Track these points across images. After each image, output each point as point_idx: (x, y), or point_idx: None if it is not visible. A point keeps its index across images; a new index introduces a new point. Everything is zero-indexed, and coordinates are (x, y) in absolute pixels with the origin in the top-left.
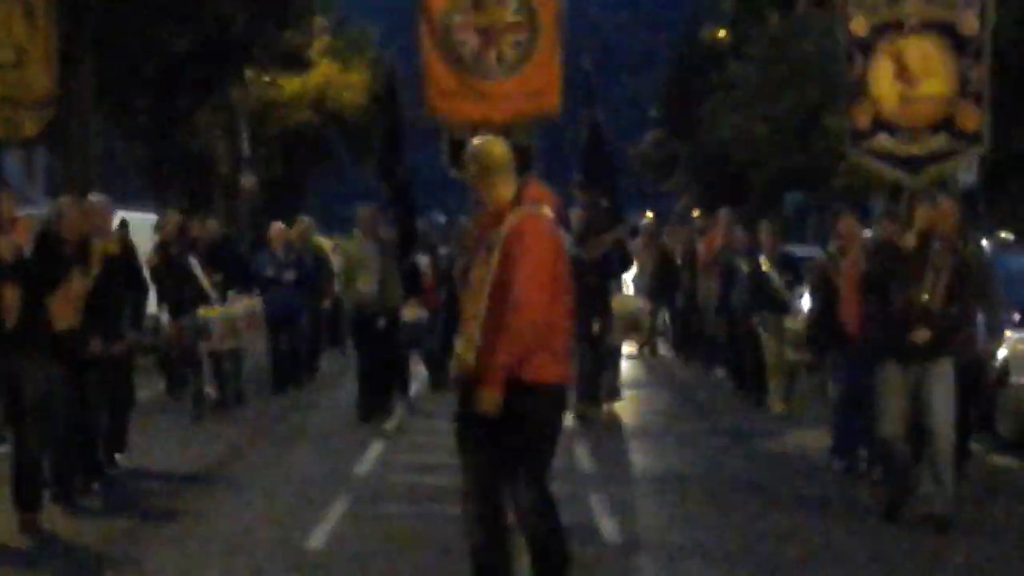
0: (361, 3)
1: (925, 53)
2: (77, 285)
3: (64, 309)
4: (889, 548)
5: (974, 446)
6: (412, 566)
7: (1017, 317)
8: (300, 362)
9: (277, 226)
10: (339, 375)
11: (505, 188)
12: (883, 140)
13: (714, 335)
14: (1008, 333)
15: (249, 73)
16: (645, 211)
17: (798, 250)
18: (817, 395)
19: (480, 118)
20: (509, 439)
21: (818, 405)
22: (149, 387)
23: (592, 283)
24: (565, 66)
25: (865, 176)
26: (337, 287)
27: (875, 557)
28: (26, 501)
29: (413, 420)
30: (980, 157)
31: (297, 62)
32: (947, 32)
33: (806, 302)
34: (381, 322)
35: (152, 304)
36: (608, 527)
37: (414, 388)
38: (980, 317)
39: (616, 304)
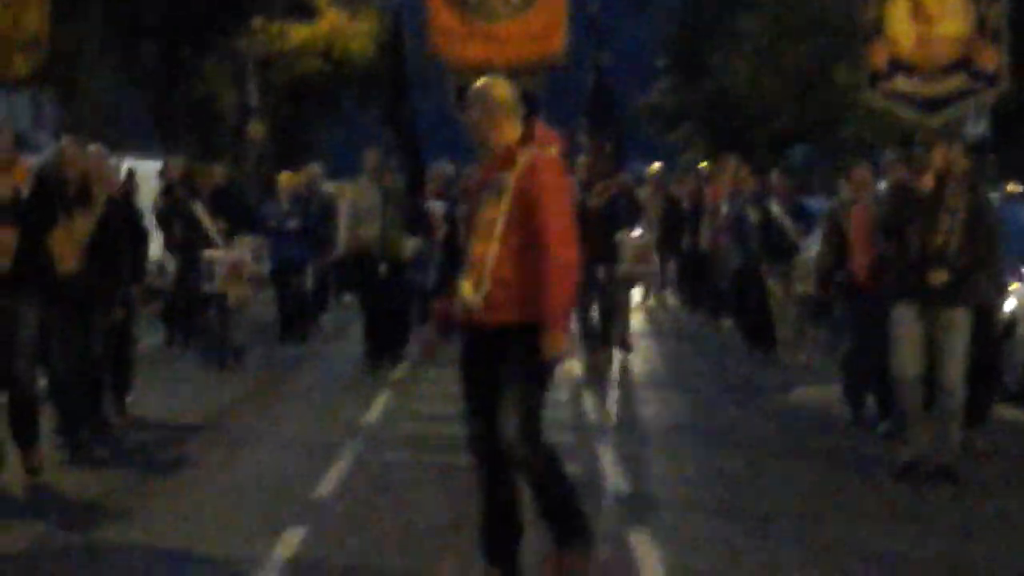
0: None
1: None
2: (80, 227)
3: (66, 252)
4: (895, 502)
5: None
6: (420, 513)
7: None
8: (306, 311)
9: (286, 176)
10: (346, 324)
11: (510, 130)
12: (900, 81)
13: (721, 284)
14: (1015, 285)
15: (257, 21)
16: (652, 162)
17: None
18: (825, 347)
19: (483, 60)
20: (507, 378)
21: (825, 356)
22: (150, 336)
23: (598, 230)
24: (571, 9)
25: (875, 127)
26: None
27: (881, 510)
28: (25, 438)
29: (419, 369)
30: (990, 107)
31: (305, 10)
32: None
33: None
34: (383, 268)
35: (157, 249)
36: (615, 478)
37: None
38: None
39: (624, 237)
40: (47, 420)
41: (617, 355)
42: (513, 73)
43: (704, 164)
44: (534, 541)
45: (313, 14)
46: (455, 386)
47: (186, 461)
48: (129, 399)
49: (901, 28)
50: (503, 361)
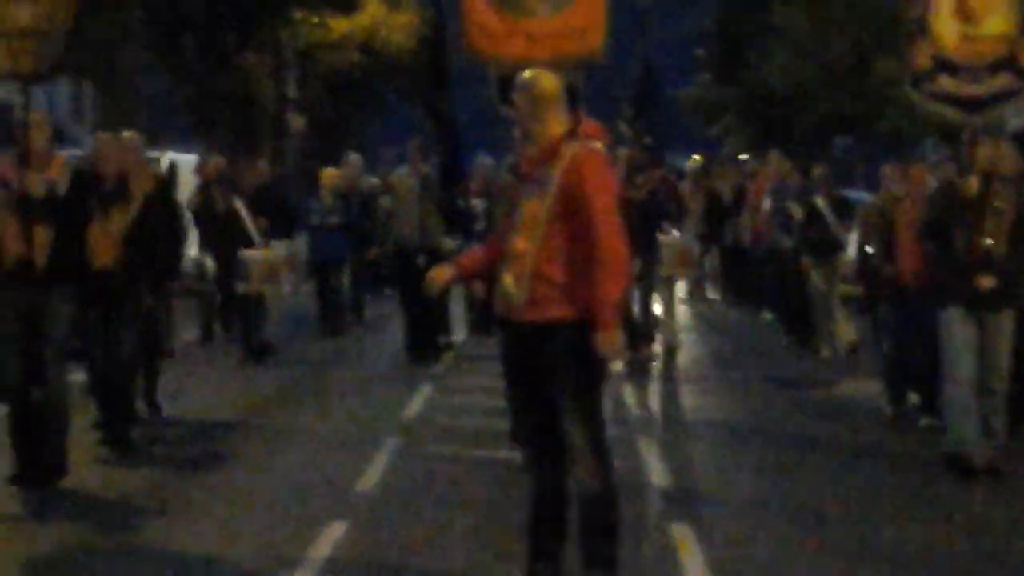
0: None
1: None
2: (116, 224)
3: (103, 248)
4: (940, 499)
5: None
6: (461, 508)
7: None
8: (345, 306)
9: (328, 172)
10: (386, 319)
11: (556, 123)
12: (944, 80)
13: (762, 277)
14: None
15: (297, 14)
16: (692, 154)
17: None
18: (867, 342)
19: (521, 57)
20: (560, 376)
21: (868, 351)
22: (185, 332)
23: (637, 223)
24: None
25: (915, 120)
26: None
27: (926, 507)
28: (51, 453)
29: (460, 362)
30: None
31: (345, 3)
32: None
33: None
34: (421, 260)
35: (194, 246)
36: (657, 473)
37: (461, 335)
38: None
39: (666, 239)
40: (79, 418)
41: (659, 349)
42: (554, 69)
43: (744, 156)
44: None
45: (354, 6)
46: (495, 379)
47: (225, 457)
48: (160, 399)
49: (944, 27)
50: (551, 360)
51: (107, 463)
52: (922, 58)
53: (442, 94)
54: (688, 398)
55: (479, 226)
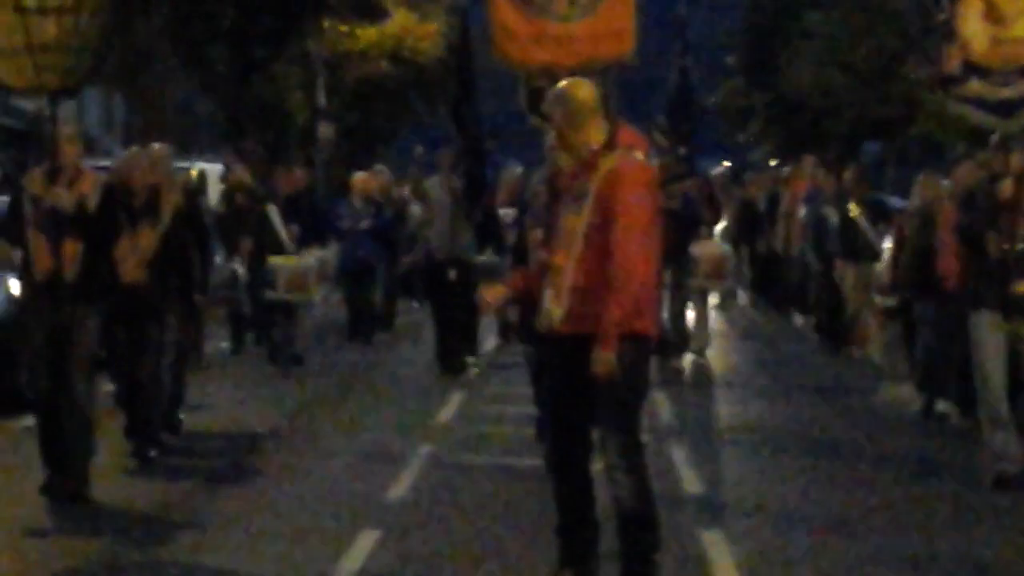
0: None
1: None
2: (146, 240)
3: (130, 263)
4: (975, 507)
5: None
6: (494, 517)
7: None
8: (375, 314)
9: (360, 177)
10: (417, 327)
11: (595, 133)
12: (974, 84)
13: (794, 283)
14: None
15: (326, 23)
16: (721, 161)
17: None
18: (901, 346)
19: (549, 62)
20: (598, 391)
21: (901, 356)
22: (212, 342)
23: (670, 232)
24: (650, 9)
25: (945, 125)
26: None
27: (961, 515)
28: (73, 468)
29: (492, 370)
30: None
31: (374, 11)
32: None
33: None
34: (452, 273)
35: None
36: (688, 479)
37: (492, 342)
38: None
39: (702, 249)
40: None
41: (690, 357)
42: (582, 75)
43: (774, 162)
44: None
45: (382, 15)
46: (528, 387)
47: (255, 468)
48: (182, 414)
49: (974, 30)
50: (590, 375)
51: (136, 475)
52: (952, 62)
53: (466, 103)
54: (720, 405)
55: (510, 239)
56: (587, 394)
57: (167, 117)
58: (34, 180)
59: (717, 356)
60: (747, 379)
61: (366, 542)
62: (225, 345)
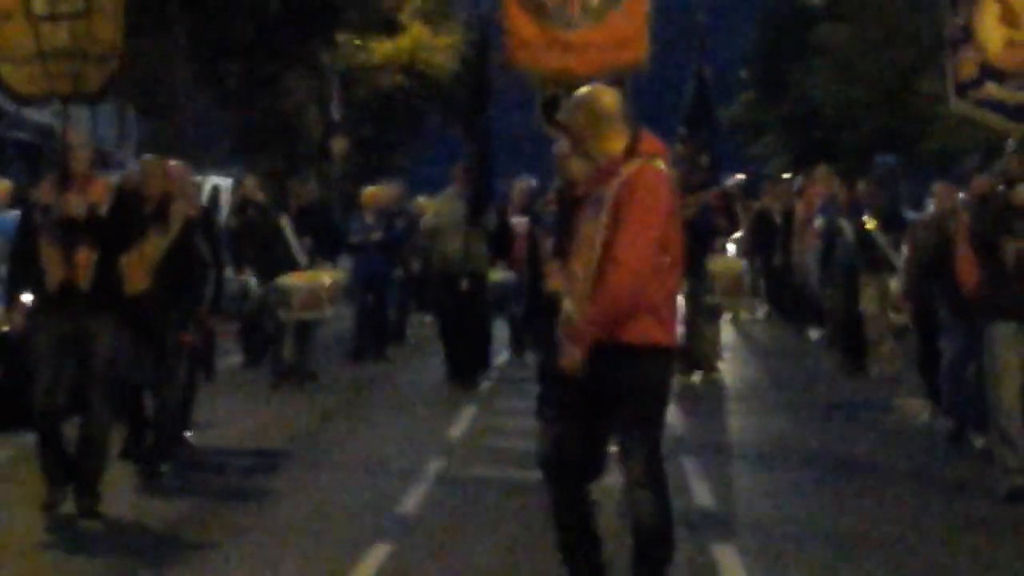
0: None
1: None
2: (152, 247)
3: (136, 272)
4: (992, 525)
5: None
6: (508, 532)
7: None
8: (386, 327)
9: (369, 191)
10: (429, 340)
11: (616, 140)
12: (990, 88)
13: (810, 296)
14: None
15: (340, 36)
16: (735, 174)
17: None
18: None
19: (561, 70)
20: (619, 406)
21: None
22: (224, 356)
23: (687, 243)
24: (661, 16)
25: (960, 138)
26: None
27: (978, 534)
28: (84, 485)
29: (505, 383)
30: None
31: (389, 25)
32: None
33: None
34: (465, 283)
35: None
36: (699, 493)
37: (504, 355)
38: None
39: (719, 265)
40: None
41: (706, 370)
42: (598, 82)
43: (787, 175)
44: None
45: (396, 29)
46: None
47: (267, 483)
48: (189, 433)
49: (990, 33)
50: (610, 387)
51: (146, 491)
52: (968, 66)
53: (479, 113)
54: (733, 420)
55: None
56: (607, 406)
57: (181, 131)
58: (45, 189)
59: (731, 370)
60: (761, 394)
61: (377, 556)
62: (237, 360)
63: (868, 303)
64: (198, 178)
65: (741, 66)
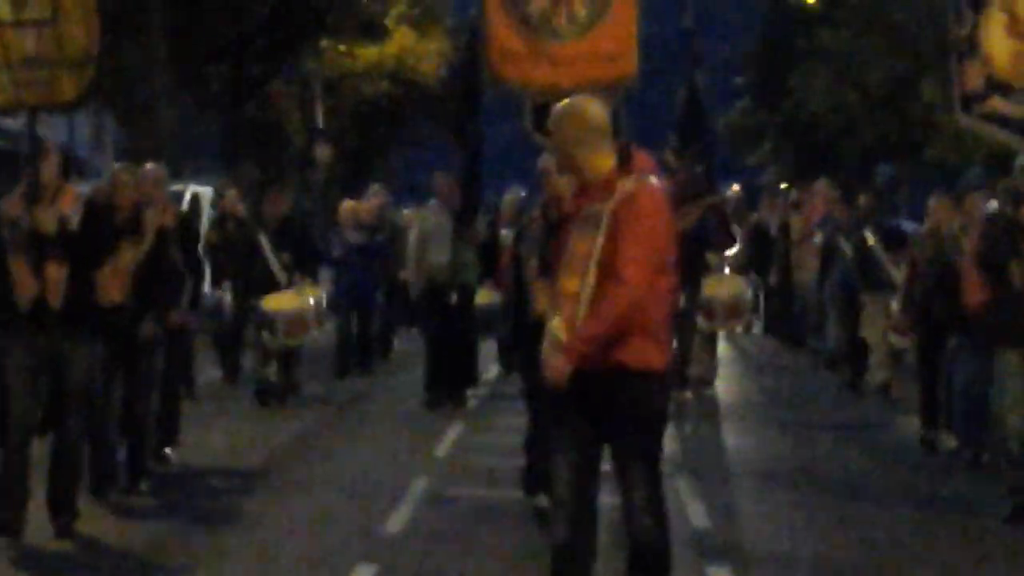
0: None
1: None
2: (126, 258)
3: (112, 283)
4: (996, 548)
5: None
6: (493, 550)
7: None
8: (371, 344)
9: (346, 205)
10: (415, 355)
11: (605, 155)
12: (997, 102)
13: (809, 313)
14: None
15: (324, 42)
16: (732, 184)
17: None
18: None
19: (548, 83)
20: (619, 434)
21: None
22: (203, 371)
23: (685, 254)
24: (654, 27)
25: (961, 147)
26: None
27: (981, 557)
28: (61, 503)
29: (492, 400)
30: None
31: (373, 31)
32: None
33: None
34: (453, 296)
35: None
36: (695, 514)
37: (493, 371)
38: None
39: (718, 287)
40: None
41: (701, 388)
42: (587, 94)
43: (784, 185)
44: None
45: (382, 34)
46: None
47: (247, 504)
48: (168, 449)
49: (996, 46)
50: (607, 411)
51: (125, 511)
52: (973, 78)
53: (469, 121)
54: (729, 438)
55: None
56: (605, 428)
57: (160, 138)
58: (12, 203)
59: (727, 387)
60: (757, 412)
61: (362, 575)
62: (215, 375)
63: (868, 328)
64: (179, 186)
65: (736, 73)
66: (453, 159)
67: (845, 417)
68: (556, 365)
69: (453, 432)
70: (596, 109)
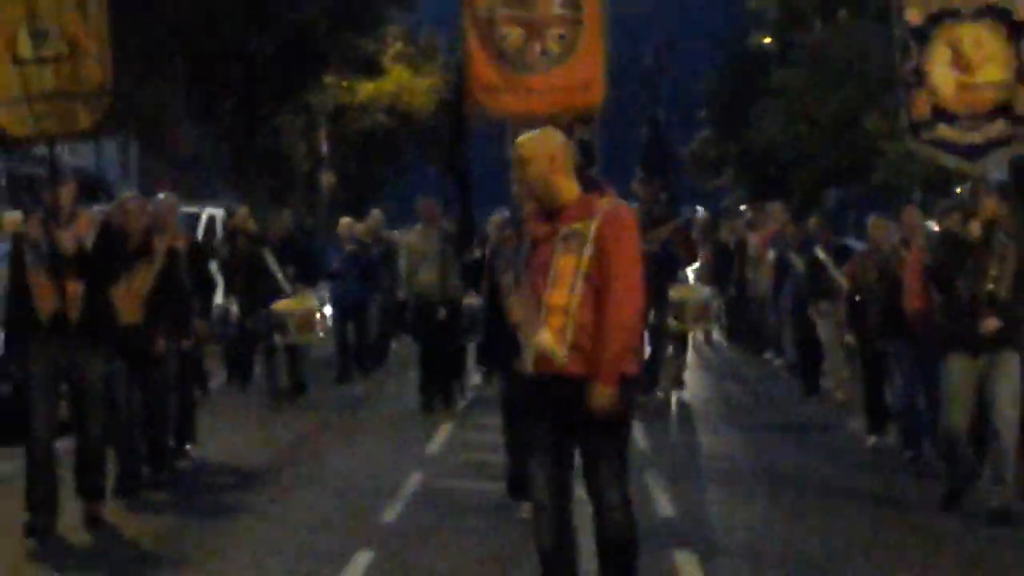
0: (436, 8)
1: (980, 39)
2: (140, 279)
3: (127, 303)
4: (949, 547)
5: None
6: (481, 538)
7: None
8: (367, 352)
9: (344, 221)
10: (409, 362)
11: (569, 182)
12: (942, 129)
13: (764, 323)
14: None
15: (328, 78)
16: (695, 207)
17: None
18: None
19: (523, 111)
20: (590, 435)
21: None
22: (212, 377)
23: (650, 275)
24: (621, 60)
25: (904, 172)
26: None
27: (935, 555)
28: (90, 490)
29: (480, 401)
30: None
31: (372, 68)
32: (1003, 17)
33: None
34: (442, 312)
35: (219, 295)
36: (662, 504)
37: (475, 377)
38: None
39: (686, 293)
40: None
41: (672, 393)
42: (556, 123)
43: (744, 208)
44: None
45: (380, 72)
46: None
47: (252, 499)
48: (189, 446)
49: (941, 78)
50: (579, 413)
51: (127, 513)
52: (921, 108)
53: (458, 150)
54: (694, 437)
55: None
56: (578, 431)
57: (180, 165)
58: (31, 225)
59: (691, 391)
60: (721, 414)
61: (361, 562)
62: (222, 380)
63: (823, 330)
64: (195, 209)
65: (699, 107)
66: (443, 184)
67: (801, 419)
68: (606, 395)
69: (444, 431)
70: (561, 137)
